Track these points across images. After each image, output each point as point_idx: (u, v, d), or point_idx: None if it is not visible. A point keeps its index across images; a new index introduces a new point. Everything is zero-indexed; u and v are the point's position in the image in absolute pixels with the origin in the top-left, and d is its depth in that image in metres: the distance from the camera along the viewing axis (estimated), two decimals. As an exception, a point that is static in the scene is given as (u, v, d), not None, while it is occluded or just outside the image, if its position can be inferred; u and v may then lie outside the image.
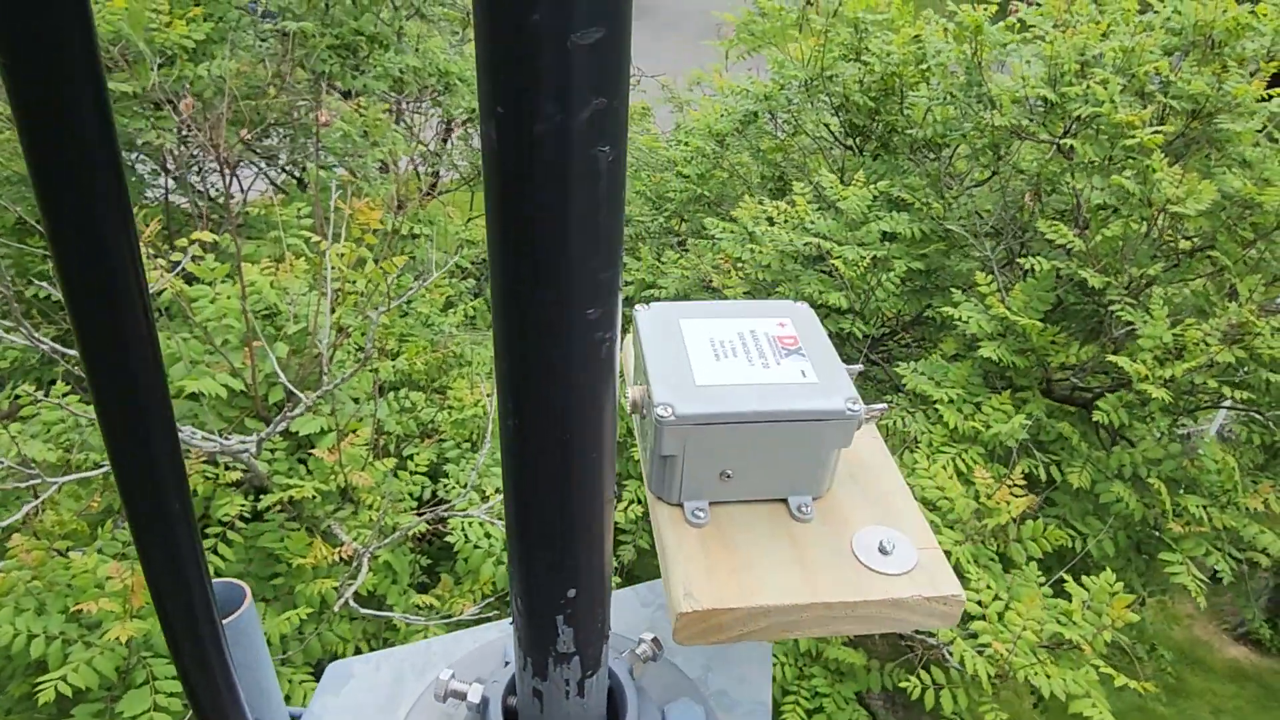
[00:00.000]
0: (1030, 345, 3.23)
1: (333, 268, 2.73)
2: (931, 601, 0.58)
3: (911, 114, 4.31)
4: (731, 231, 3.95)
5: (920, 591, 0.58)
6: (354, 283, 2.82)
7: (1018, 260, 3.44)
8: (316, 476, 2.72)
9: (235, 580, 0.58)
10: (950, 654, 2.38)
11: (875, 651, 2.94)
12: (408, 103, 5.16)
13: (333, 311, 2.78)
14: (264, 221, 3.78)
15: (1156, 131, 3.10)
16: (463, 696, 0.60)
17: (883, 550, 0.60)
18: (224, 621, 0.56)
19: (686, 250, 4.46)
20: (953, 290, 3.45)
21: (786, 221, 3.73)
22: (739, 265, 3.87)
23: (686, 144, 5.16)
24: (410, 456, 3.01)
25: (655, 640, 0.65)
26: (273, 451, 2.76)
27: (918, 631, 2.73)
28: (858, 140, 4.66)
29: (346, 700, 0.69)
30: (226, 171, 3.00)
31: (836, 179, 3.91)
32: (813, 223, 3.69)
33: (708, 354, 0.64)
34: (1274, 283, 3.36)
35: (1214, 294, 3.19)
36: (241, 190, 4.67)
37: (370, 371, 3.00)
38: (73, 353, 2.55)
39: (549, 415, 0.41)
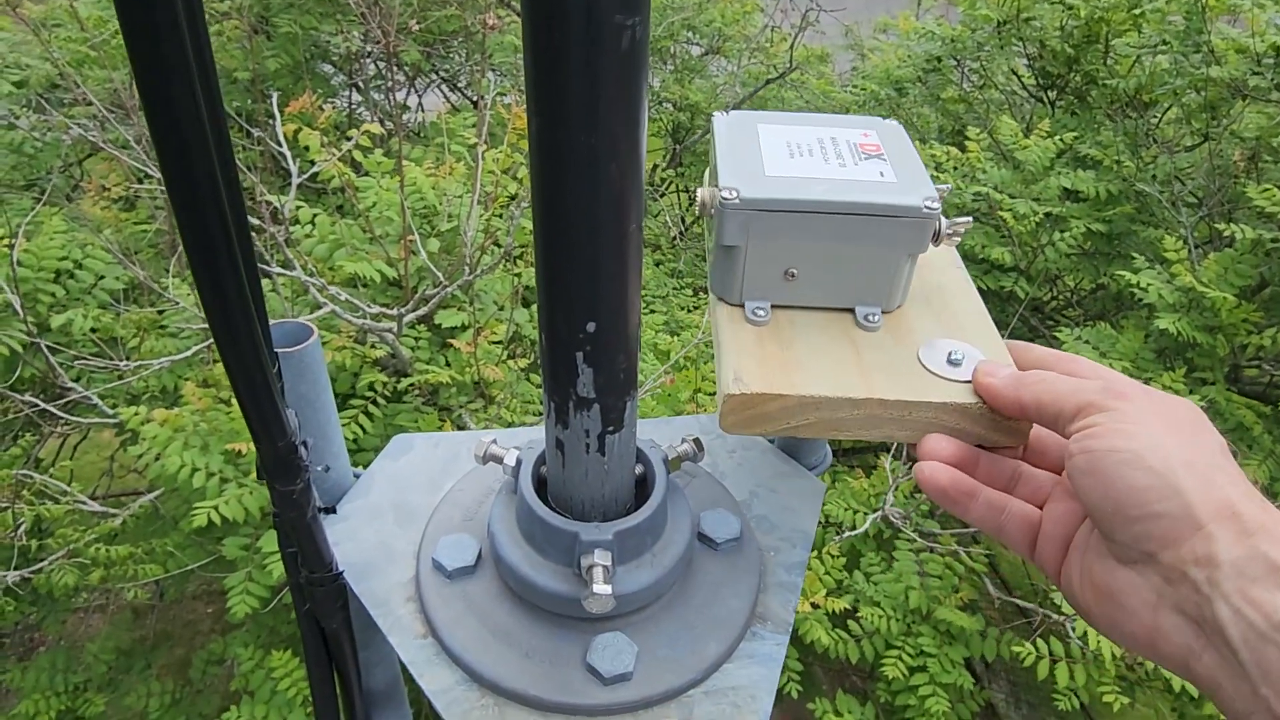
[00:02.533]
0: (1219, 323, 2.90)
1: (487, 171, 2.83)
2: (997, 412, 0.54)
3: (1116, 65, 3.92)
4: (895, 177, 3.76)
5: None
6: (505, 188, 2.91)
7: (1217, 228, 3.09)
8: (454, 367, 2.87)
9: (306, 322, 0.62)
10: (1074, 628, 2.23)
11: (991, 620, 2.79)
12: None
13: (483, 214, 2.89)
14: (434, 130, 3.97)
15: None
16: (500, 459, 0.62)
17: (951, 361, 0.56)
18: (286, 351, 0.60)
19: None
20: (1134, 257, 3.15)
21: (956, 169, 3.52)
22: (897, 212, 3.69)
23: (861, 88, 4.94)
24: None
25: (696, 440, 0.63)
26: (416, 339, 2.93)
27: (1042, 603, 2.57)
28: (1051, 94, 4.30)
29: (404, 466, 0.73)
30: (401, 77, 3.16)
31: (1019, 129, 3.63)
32: (985, 173, 3.45)
33: (782, 152, 0.61)
34: None
35: None
36: (420, 105, 4.92)
37: (514, 276, 3.10)
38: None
39: (567, 108, 0.41)
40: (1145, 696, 4.07)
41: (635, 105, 0.42)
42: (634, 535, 0.57)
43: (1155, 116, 3.93)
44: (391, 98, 3.81)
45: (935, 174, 3.52)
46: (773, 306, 0.61)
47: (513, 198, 2.98)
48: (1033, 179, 3.45)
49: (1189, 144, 3.89)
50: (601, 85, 0.40)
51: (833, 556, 2.81)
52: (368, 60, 4.02)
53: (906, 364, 0.56)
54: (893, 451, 3.11)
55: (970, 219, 0.60)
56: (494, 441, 0.63)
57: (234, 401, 2.35)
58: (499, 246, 3.15)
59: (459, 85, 5.34)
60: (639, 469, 0.61)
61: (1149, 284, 2.97)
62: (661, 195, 5.66)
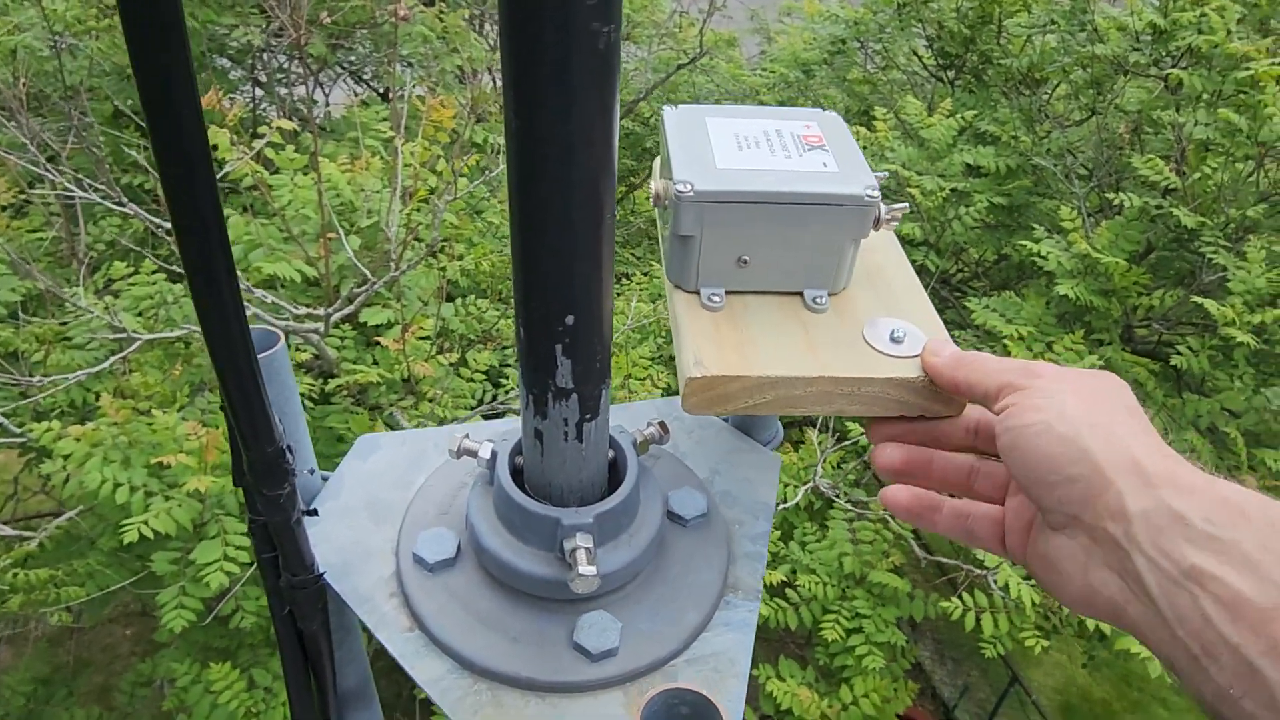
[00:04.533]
0: (1112, 286, 3.10)
1: (406, 165, 2.79)
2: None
3: (1009, 44, 4.11)
4: (808, 158, 3.86)
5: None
6: (425, 181, 2.87)
7: (1108, 198, 3.28)
8: (382, 365, 2.83)
9: (272, 329, 0.62)
10: (995, 580, 2.36)
11: (918, 581, 2.93)
12: (490, 15, 5.16)
13: (403, 208, 2.85)
14: (345, 124, 3.87)
15: (1276, 63, 2.88)
16: (474, 453, 0.63)
17: (894, 338, 0.60)
18: (260, 356, 0.60)
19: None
20: (1034, 228, 3.32)
21: (866, 149, 3.63)
22: (812, 192, 3.79)
23: (770, 71, 5.04)
24: (472, 357, 3.10)
25: (662, 424, 0.67)
26: (342, 339, 2.87)
27: (965, 559, 2.71)
28: (950, 73, 4.47)
29: (372, 465, 0.73)
30: (310, 66, 3.07)
31: (922, 108, 3.78)
32: (893, 151, 3.58)
33: (731, 145, 0.64)
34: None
35: (1320, 242, 2.99)
36: (327, 99, 4.78)
37: (438, 270, 3.07)
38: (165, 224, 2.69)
39: (548, 108, 0.43)
40: (1060, 640, 4.33)
41: (609, 103, 0.45)
42: (612, 517, 0.60)
43: (1047, 93, 4.14)
44: (306, 90, 3.70)
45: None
46: (727, 292, 0.64)
47: (433, 191, 2.94)
48: (937, 156, 3.60)
49: (1078, 118, 4.11)
50: (577, 82, 0.42)
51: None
52: (269, 54, 3.88)
53: (853, 342, 0.60)
54: (819, 425, 3.22)
55: (906, 205, 0.65)
56: (467, 436, 0.64)
57: (155, 412, 2.26)
58: (421, 241, 3.12)
59: (365, 77, 5.21)
60: (610, 454, 0.64)
61: (1049, 252, 3.14)
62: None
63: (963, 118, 3.57)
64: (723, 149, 0.64)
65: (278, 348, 0.61)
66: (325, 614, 0.66)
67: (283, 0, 2.65)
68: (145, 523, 2.14)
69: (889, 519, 2.99)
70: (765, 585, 2.80)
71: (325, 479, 0.73)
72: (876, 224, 0.64)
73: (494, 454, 0.63)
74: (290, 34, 2.91)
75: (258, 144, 2.74)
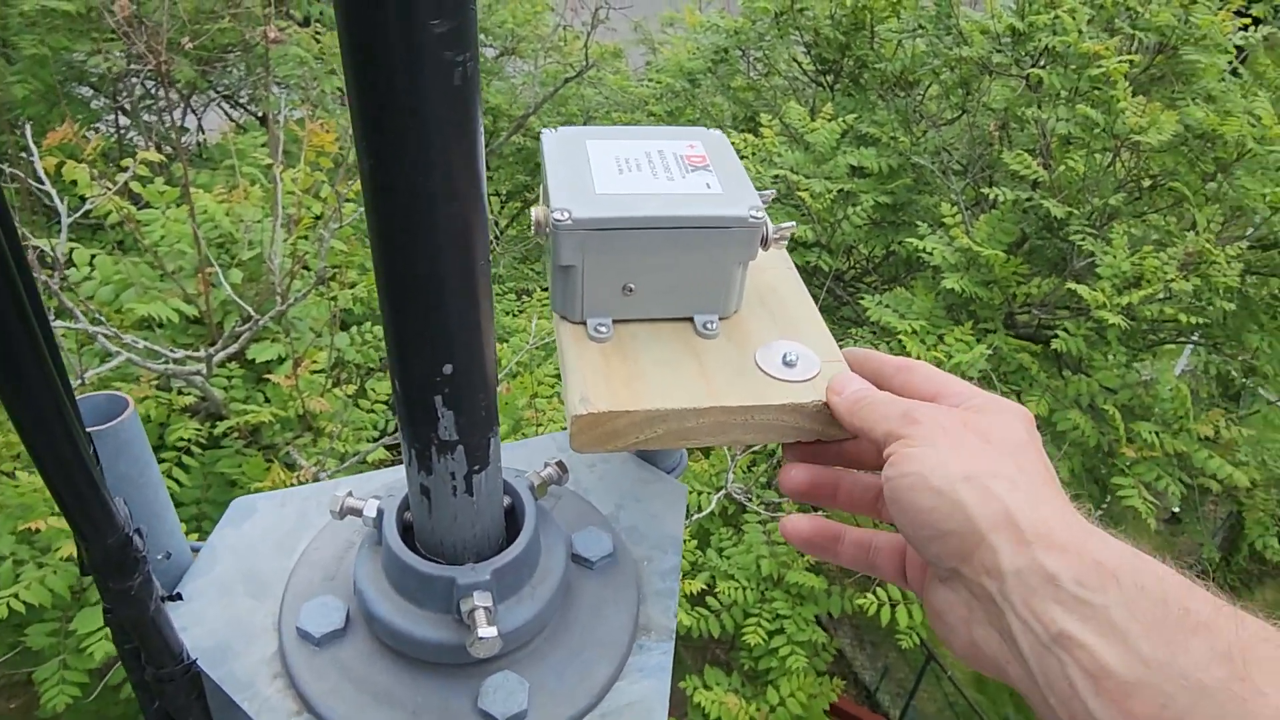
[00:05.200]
0: (994, 277, 3.24)
1: (288, 192, 2.67)
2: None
3: (882, 49, 4.26)
4: (699, 167, 3.90)
5: (820, 397, 0.57)
6: (309, 208, 2.76)
7: (983, 193, 3.44)
8: (274, 403, 2.69)
9: (120, 394, 0.56)
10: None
11: (834, 577, 2.98)
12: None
13: (287, 238, 2.73)
14: (220, 151, 3.69)
15: (1123, 60, 3.08)
16: (359, 512, 0.59)
17: (787, 362, 0.59)
18: (101, 429, 0.54)
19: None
20: (918, 224, 3.45)
21: (754, 155, 3.70)
22: (706, 200, 3.83)
23: (656, 81, 5.08)
24: (371, 387, 2.99)
25: (560, 464, 0.64)
26: (229, 379, 2.72)
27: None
28: (828, 78, 4.61)
29: (248, 532, 0.68)
30: (175, 96, 2.91)
31: (805, 113, 3.87)
32: (780, 156, 3.66)
33: (611, 169, 0.62)
34: (1235, 216, 3.39)
35: (1174, 226, 3.21)
36: (200, 126, 4.55)
37: (328, 299, 2.95)
38: None
39: (403, 150, 0.39)
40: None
41: (472, 142, 0.41)
42: (511, 571, 0.57)
43: (920, 94, 4.31)
44: (170, 119, 3.50)
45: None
46: (614, 321, 0.62)
47: (318, 218, 2.83)
48: (823, 159, 3.69)
49: (950, 117, 4.30)
50: (434, 125, 0.39)
51: (684, 540, 2.90)
52: (134, 80, 3.66)
53: (746, 369, 0.59)
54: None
55: (794, 224, 0.64)
56: (349, 494, 0.60)
57: (19, 474, 2.09)
58: (309, 271, 2.99)
59: (241, 101, 4.98)
60: (506, 500, 0.60)
61: (933, 247, 3.27)
62: (473, 201, 5.56)
63: (844, 121, 3.68)
64: (603, 173, 0.62)
65: (126, 415, 0.56)
66: (203, 701, 0.60)
67: (139, 25, 2.49)
68: (15, 595, 1.96)
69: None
70: (685, 595, 2.80)
71: (196, 550, 0.67)
72: (765, 244, 0.63)
73: (380, 512, 0.58)
74: (152, 60, 2.75)
75: (123, 178, 2.57)
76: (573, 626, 0.61)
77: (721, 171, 0.63)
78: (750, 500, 3.05)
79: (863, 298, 3.39)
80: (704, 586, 2.83)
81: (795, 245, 3.67)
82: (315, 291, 2.96)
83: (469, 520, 0.55)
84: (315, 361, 2.76)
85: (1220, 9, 3.34)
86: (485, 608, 0.53)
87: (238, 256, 2.92)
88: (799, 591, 2.91)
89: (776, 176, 3.58)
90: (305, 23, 4.42)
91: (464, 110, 0.40)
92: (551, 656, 0.59)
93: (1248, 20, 3.36)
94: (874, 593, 2.54)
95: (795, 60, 4.77)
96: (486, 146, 6.03)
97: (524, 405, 2.98)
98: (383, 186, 0.41)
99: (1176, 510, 4.64)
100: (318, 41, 3.74)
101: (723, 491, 2.83)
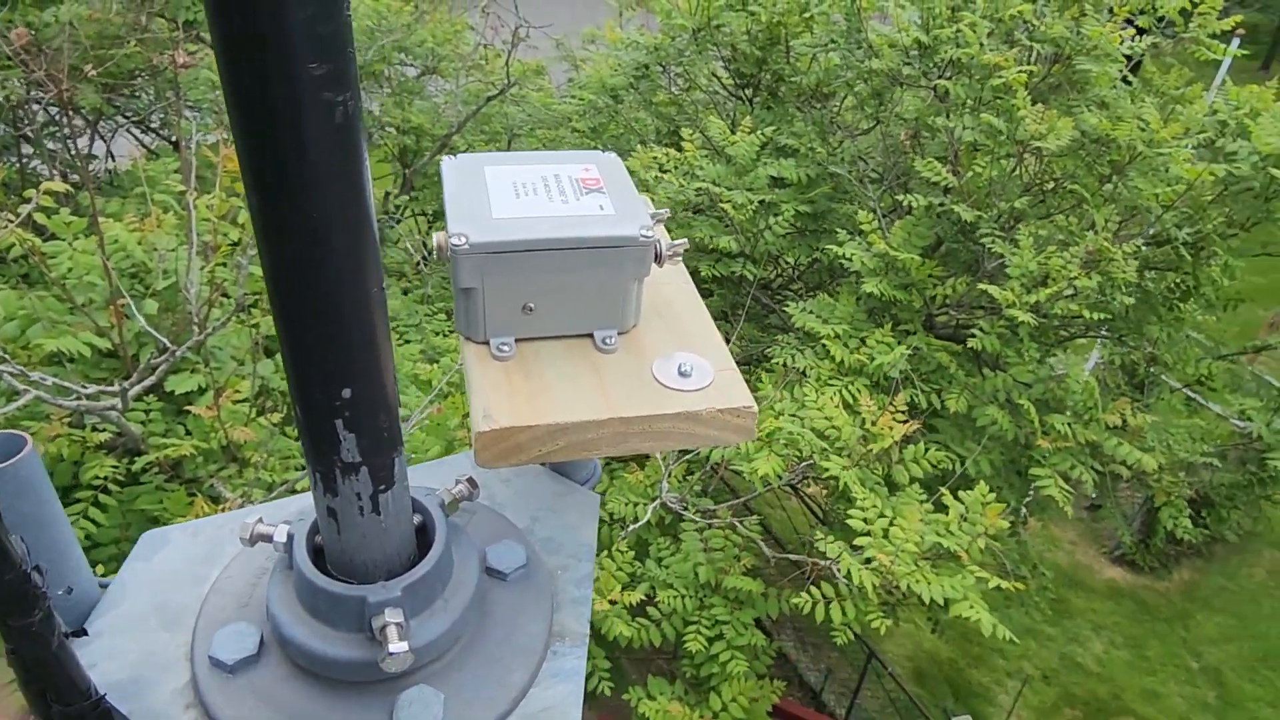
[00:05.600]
0: (911, 280, 3.36)
1: (203, 219, 2.62)
2: (724, 414, 0.61)
3: (798, 63, 4.38)
4: (624, 182, 3.95)
5: (713, 404, 0.60)
6: (226, 234, 2.70)
7: (897, 199, 3.56)
8: (196, 435, 2.63)
9: (18, 433, 0.56)
10: (838, 569, 2.49)
11: (772, 580, 3.04)
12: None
13: (204, 265, 2.67)
14: (131, 178, 3.58)
15: (1022, 70, 3.24)
16: (270, 538, 0.60)
17: (681, 373, 0.62)
18: None
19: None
20: (838, 231, 3.55)
21: (677, 169, 3.76)
22: (632, 214, 3.88)
23: (579, 98, 5.12)
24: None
25: (470, 480, 0.65)
26: (147, 412, 2.65)
27: (809, 554, 2.83)
28: (748, 91, 4.71)
29: (159, 566, 0.68)
30: (80, 123, 2.82)
31: (726, 126, 3.95)
32: (702, 169, 3.73)
33: (509, 193, 0.65)
34: (1132, 215, 3.58)
35: (1075, 226, 3.38)
36: (109, 153, 4.41)
37: (249, 326, 2.90)
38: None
39: (288, 186, 0.41)
40: (906, 613, 4.60)
41: (357, 175, 0.43)
42: (423, 586, 0.58)
43: (837, 106, 4.45)
44: (75, 146, 3.38)
45: (659, 175, 3.74)
46: (517, 340, 0.64)
47: (235, 244, 2.77)
48: (744, 170, 3.77)
49: (866, 127, 4.44)
50: (318, 161, 0.41)
51: (622, 552, 2.92)
52: (35, 107, 3.53)
53: (643, 380, 0.62)
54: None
55: (686, 241, 0.67)
56: (260, 520, 0.60)
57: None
58: (229, 298, 2.92)
59: (153, 126, 4.85)
60: (417, 518, 0.62)
61: (852, 254, 3.37)
62: (398, 222, 5.51)
63: (763, 133, 3.77)
64: (500, 198, 0.64)
65: (24, 454, 0.55)
66: (116, 738, 0.59)
67: (39, 52, 2.42)
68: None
69: (738, 523, 3.08)
70: (625, 606, 2.81)
71: (105, 585, 0.66)
72: (660, 260, 0.66)
73: (290, 536, 0.59)
74: (52, 86, 2.67)
75: (26, 209, 2.48)
76: (488, 637, 0.63)
77: (615, 193, 0.66)
78: (687, 509, 3.08)
79: (788, 305, 3.47)
80: (644, 597, 2.85)
81: (721, 256, 3.75)
82: (236, 319, 2.89)
83: (378, 539, 0.56)
84: (238, 391, 2.70)
85: (1108, 21, 3.54)
86: (397, 624, 0.55)
87: (152, 286, 2.84)
88: (737, 596, 2.95)
89: (699, 189, 3.65)
90: (218, 45, 4.33)
91: (347, 146, 0.42)
92: (468, 667, 0.61)
93: (1132, 31, 3.56)
94: (808, 591, 2.60)
95: (715, 75, 4.87)
96: (411, 166, 5.97)
97: (456, 425, 2.96)
98: (272, 221, 0.42)
99: (1095, 497, 4.85)
100: (231, 65, 3.66)
101: (658, 501, 2.86)
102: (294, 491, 2.64)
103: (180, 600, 0.64)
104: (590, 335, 0.65)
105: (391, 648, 0.53)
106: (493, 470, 0.78)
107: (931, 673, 6.34)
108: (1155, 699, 6.17)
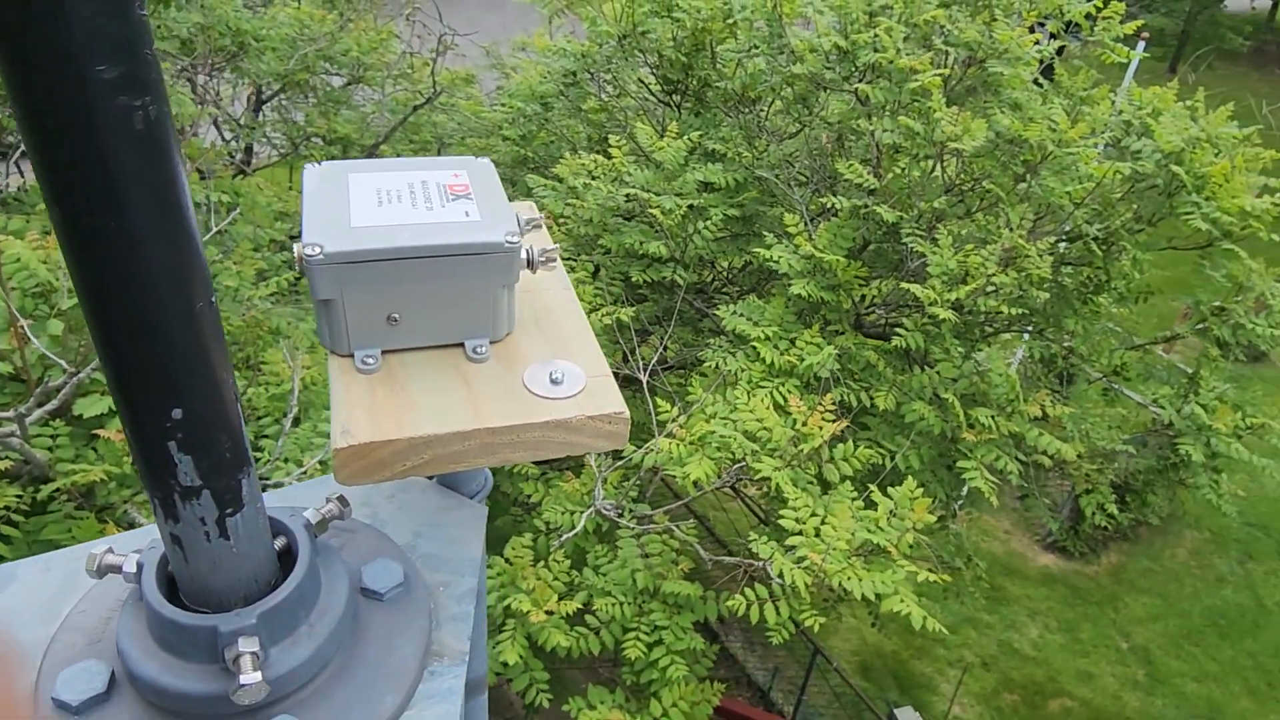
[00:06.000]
0: (838, 281, 3.41)
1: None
2: (595, 420, 0.60)
3: (724, 68, 4.42)
4: (554, 189, 3.94)
5: (583, 411, 0.59)
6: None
7: (823, 201, 3.62)
8: (107, 460, 2.52)
9: None
10: (772, 569, 2.50)
11: (714, 582, 3.04)
12: (204, 68, 4.80)
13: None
14: (35, 194, 3.44)
15: (937, 74, 3.32)
16: (119, 568, 0.57)
17: (553, 380, 0.61)
18: None
19: (512, 211, 4.41)
20: (766, 235, 3.59)
21: (605, 175, 3.75)
22: (561, 221, 3.87)
23: (508, 106, 5.09)
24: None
25: (340, 498, 0.63)
26: (54, 437, 2.53)
27: (745, 555, 2.85)
28: (676, 97, 4.74)
29: (5, 602, 0.64)
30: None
31: (653, 132, 3.97)
32: (630, 175, 3.73)
33: (371, 201, 0.63)
34: (1048, 213, 3.69)
35: (993, 225, 3.47)
36: (16, 168, 4.22)
37: (164, 346, 2.79)
38: None
39: (90, 194, 0.39)
40: (848, 608, 4.64)
41: (169, 182, 0.41)
42: (282, 611, 0.56)
43: (764, 110, 4.50)
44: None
45: (588, 181, 3.73)
46: (384, 352, 0.62)
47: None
48: (673, 176, 3.79)
49: (793, 131, 4.50)
50: (122, 169, 0.39)
51: (559, 562, 2.89)
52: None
53: (514, 389, 0.60)
54: (597, 448, 3.26)
55: (558, 246, 0.66)
56: (109, 550, 0.57)
57: None
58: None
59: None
60: (281, 540, 0.59)
61: (780, 256, 3.41)
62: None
63: (690, 138, 3.79)
64: (361, 206, 0.62)
65: None
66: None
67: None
68: None
69: (674, 528, 3.08)
70: (563, 615, 2.78)
71: (-52, 628, 0.62)
72: (532, 266, 0.65)
73: (140, 565, 0.56)
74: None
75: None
76: (361, 660, 0.60)
77: (483, 199, 0.65)
78: (623, 515, 3.07)
79: (719, 309, 3.50)
80: (580, 606, 2.83)
81: (651, 262, 3.75)
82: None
83: (231, 566, 0.54)
84: (151, 412, 2.60)
85: (1018, 26, 3.65)
86: (251, 653, 0.52)
87: (57, 306, 2.72)
88: (675, 601, 2.95)
89: (629, 195, 3.65)
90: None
91: (154, 153, 0.40)
92: (337, 693, 0.58)
93: (1039, 36, 3.68)
94: (743, 592, 2.61)
95: (643, 81, 4.88)
96: (338, 177, 5.85)
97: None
98: (76, 237, 0.40)
99: (1026, 486, 4.99)
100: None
101: (592, 509, 2.84)
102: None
103: (28, 638, 0.60)
104: (461, 345, 0.64)
105: (244, 679, 0.51)
106: (377, 486, 0.76)
107: (876, 666, 6.43)
108: (1089, 680, 6.37)
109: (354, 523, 0.70)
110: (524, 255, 0.63)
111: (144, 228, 0.41)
